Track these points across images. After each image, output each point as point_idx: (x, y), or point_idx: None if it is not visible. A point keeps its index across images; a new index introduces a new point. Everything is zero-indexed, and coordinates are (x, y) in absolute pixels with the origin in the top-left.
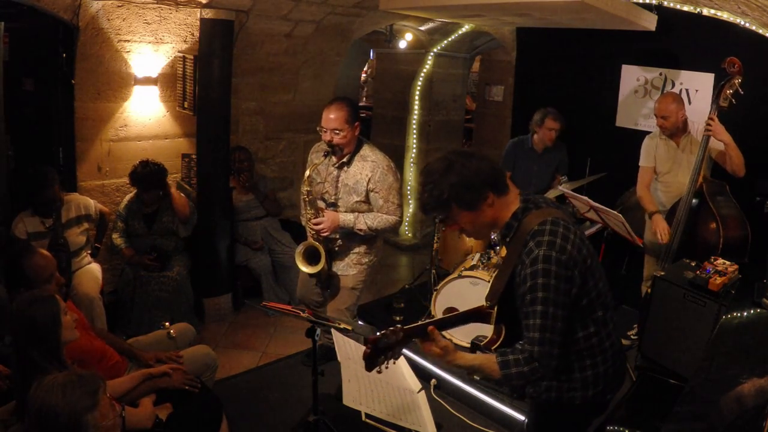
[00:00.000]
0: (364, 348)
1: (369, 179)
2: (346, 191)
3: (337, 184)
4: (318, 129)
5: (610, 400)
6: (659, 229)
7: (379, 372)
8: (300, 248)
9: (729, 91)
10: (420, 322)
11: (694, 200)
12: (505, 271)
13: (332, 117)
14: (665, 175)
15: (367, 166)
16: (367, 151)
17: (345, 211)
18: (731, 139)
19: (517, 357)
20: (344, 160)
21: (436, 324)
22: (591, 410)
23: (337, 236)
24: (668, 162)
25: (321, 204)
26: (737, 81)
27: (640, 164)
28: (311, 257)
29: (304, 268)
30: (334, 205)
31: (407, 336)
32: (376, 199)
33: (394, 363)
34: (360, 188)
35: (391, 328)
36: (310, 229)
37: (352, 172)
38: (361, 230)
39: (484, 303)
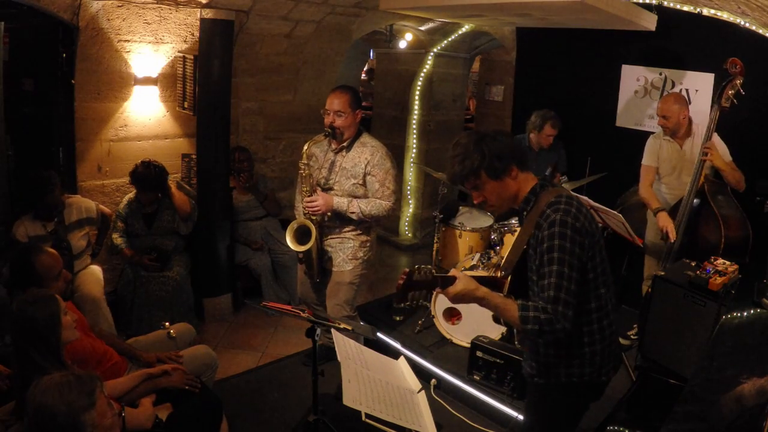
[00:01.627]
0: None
1: (368, 162)
2: (343, 175)
3: (333, 168)
4: (322, 112)
5: (605, 383)
6: (667, 227)
7: (408, 304)
8: (293, 225)
9: (731, 92)
10: (446, 274)
11: (695, 200)
12: (521, 242)
13: (336, 100)
14: (667, 177)
15: (367, 151)
16: (366, 138)
17: (341, 196)
18: (726, 165)
19: (536, 305)
20: (344, 144)
21: (451, 279)
22: (588, 391)
23: (329, 213)
24: (671, 164)
25: (318, 188)
26: (739, 81)
27: (642, 163)
28: (302, 237)
29: (294, 246)
30: (329, 190)
31: (434, 279)
32: (372, 182)
33: (420, 304)
34: (358, 171)
35: (424, 266)
36: (304, 207)
37: (351, 156)
38: (353, 213)
39: (498, 272)
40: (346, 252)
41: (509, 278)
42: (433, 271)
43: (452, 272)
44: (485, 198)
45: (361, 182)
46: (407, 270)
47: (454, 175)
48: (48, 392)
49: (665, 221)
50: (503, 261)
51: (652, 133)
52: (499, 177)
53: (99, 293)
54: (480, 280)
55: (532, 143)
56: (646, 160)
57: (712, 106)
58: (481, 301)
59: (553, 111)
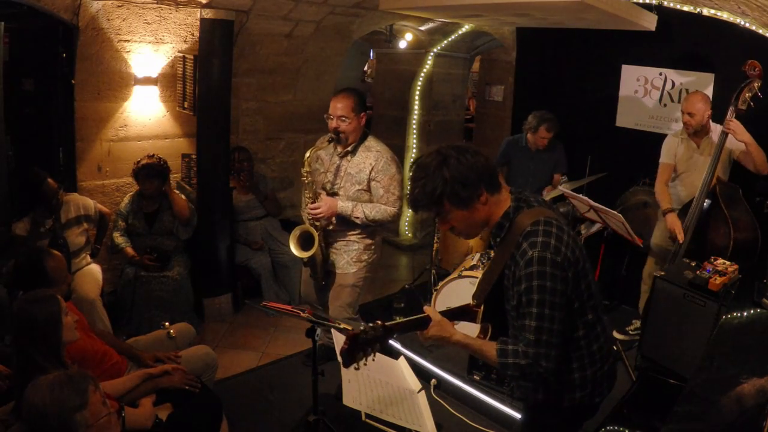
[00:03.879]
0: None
1: (372, 168)
2: (348, 180)
3: (338, 173)
4: (325, 116)
5: (599, 403)
6: (675, 229)
7: (357, 369)
8: (295, 232)
9: (748, 94)
10: (403, 319)
11: (706, 201)
12: (494, 270)
13: (339, 105)
14: (682, 175)
15: (371, 156)
16: (371, 142)
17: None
18: (752, 139)
19: (516, 349)
20: (348, 149)
21: (423, 320)
22: (580, 413)
23: (333, 220)
24: (686, 162)
25: (322, 192)
26: (757, 84)
27: (660, 161)
28: (306, 242)
29: (297, 252)
30: (334, 195)
31: (388, 331)
32: (377, 188)
33: (373, 359)
34: (362, 176)
35: (371, 324)
36: (307, 214)
37: (356, 161)
38: (358, 218)
39: (471, 301)
40: (350, 254)
41: (483, 307)
42: (381, 324)
43: (427, 311)
44: (452, 226)
45: (365, 188)
46: (351, 334)
47: (413, 201)
48: (39, 392)
49: (673, 222)
50: (475, 290)
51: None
52: (466, 205)
53: (95, 294)
54: (452, 311)
55: (529, 143)
56: (664, 158)
57: (729, 108)
58: (458, 346)
59: (551, 113)
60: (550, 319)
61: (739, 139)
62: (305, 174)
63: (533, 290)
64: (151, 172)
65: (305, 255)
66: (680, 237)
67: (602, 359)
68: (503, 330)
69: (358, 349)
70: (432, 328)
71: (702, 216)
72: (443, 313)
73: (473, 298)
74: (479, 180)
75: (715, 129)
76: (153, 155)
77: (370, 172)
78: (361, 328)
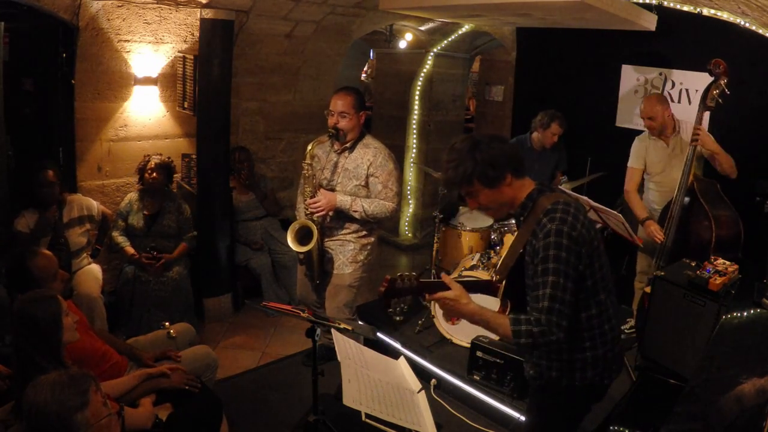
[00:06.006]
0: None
1: (370, 164)
2: (345, 176)
3: (336, 169)
4: (326, 113)
5: (608, 385)
6: (653, 231)
7: (390, 310)
8: (294, 226)
9: (715, 92)
10: (434, 280)
11: (686, 199)
12: (517, 247)
13: (340, 101)
14: (658, 176)
15: (369, 152)
16: (369, 139)
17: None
18: (719, 148)
19: (529, 318)
20: (347, 146)
21: (438, 285)
22: (590, 393)
23: (331, 214)
24: (660, 163)
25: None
26: (723, 82)
27: (628, 165)
28: (303, 238)
29: (294, 247)
30: (332, 191)
31: (420, 285)
32: (375, 184)
33: (404, 308)
34: (360, 172)
35: (407, 274)
36: (306, 208)
37: (354, 157)
38: (356, 212)
39: (493, 276)
40: (346, 254)
41: (504, 283)
42: (416, 276)
43: (443, 277)
44: (480, 204)
45: (363, 183)
46: (389, 277)
47: (447, 181)
48: (41, 391)
49: (651, 227)
50: (498, 265)
51: None
52: (493, 185)
53: (96, 292)
54: (475, 284)
55: (534, 143)
56: (632, 162)
57: (698, 107)
58: (472, 317)
59: (557, 111)
60: (563, 289)
61: (708, 149)
62: (306, 166)
63: (549, 259)
64: (157, 168)
65: (303, 250)
66: (660, 237)
67: (612, 340)
68: (522, 307)
69: (393, 294)
70: (454, 290)
71: (683, 212)
72: (464, 282)
73: (496, 273)
74: (507, 163)
75: (685, 126)
76: (159, 155)
77: (368, 168)
78: (400, 274)
